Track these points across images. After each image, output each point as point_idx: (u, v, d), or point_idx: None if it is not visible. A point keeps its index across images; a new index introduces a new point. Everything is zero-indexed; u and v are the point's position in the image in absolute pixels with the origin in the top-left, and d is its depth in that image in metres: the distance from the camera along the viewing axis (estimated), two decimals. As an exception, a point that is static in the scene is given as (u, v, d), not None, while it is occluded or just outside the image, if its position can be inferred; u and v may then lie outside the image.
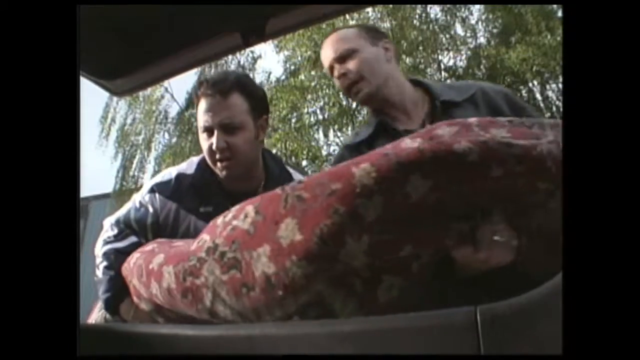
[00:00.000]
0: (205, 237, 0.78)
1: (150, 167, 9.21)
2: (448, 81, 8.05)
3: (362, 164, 0.64)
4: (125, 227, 1.19)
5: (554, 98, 7.80)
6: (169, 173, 1.25)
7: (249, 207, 0.73)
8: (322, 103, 8.16)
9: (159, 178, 1.25)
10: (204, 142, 1.21)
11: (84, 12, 0.61)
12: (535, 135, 0.67)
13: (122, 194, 8.51)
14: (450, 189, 0.64)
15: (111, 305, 1.09)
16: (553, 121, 0.75)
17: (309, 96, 8.20)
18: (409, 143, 0.65)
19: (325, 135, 8.42)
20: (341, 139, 8.53)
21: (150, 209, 1.20)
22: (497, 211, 0.69)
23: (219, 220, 0.78)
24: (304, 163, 7.63)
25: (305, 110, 8.06)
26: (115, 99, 8.90)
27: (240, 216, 0.73)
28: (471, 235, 0.68)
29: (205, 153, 1.22)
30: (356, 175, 0.63)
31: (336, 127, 8.37)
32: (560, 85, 7.38)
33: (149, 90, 8.77)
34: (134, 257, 0.95)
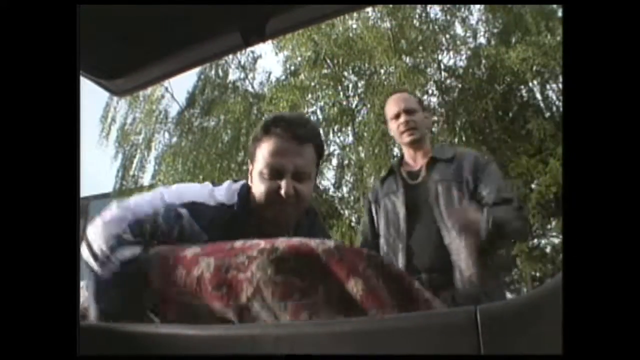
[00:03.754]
0: (259, 241, 0.79)
1: (150, 166, 9.23)
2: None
3: None
4: (140, 235, 0.97)
5: (554, 98, 7.82)
6: (209, 195, 1.10)
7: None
8: (322, 103, 8.17)
9: (195, 196, 1.09)
10: (263, 182, 1.12)
11: (84, 11, 0.61)
12: None
13: (122, 193, 8.50)
14: None
15: (105, 318, 0.91)
16: None
17: (309, 96, 8.21)
18: None
19: (325, 135, 8.42)
20: (341, 138, 8.55)
21: (182, 225, 1.02)
22: None
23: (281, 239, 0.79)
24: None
25: (305, 110, 8.06)
26: (115, 98, 8.91)
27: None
28: None
29: (262, 194, 1.12)
30: None
31: (336, 127, 8.37)
32: (560, 85, 7.38)
33: (149, 90, 8.77)
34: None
